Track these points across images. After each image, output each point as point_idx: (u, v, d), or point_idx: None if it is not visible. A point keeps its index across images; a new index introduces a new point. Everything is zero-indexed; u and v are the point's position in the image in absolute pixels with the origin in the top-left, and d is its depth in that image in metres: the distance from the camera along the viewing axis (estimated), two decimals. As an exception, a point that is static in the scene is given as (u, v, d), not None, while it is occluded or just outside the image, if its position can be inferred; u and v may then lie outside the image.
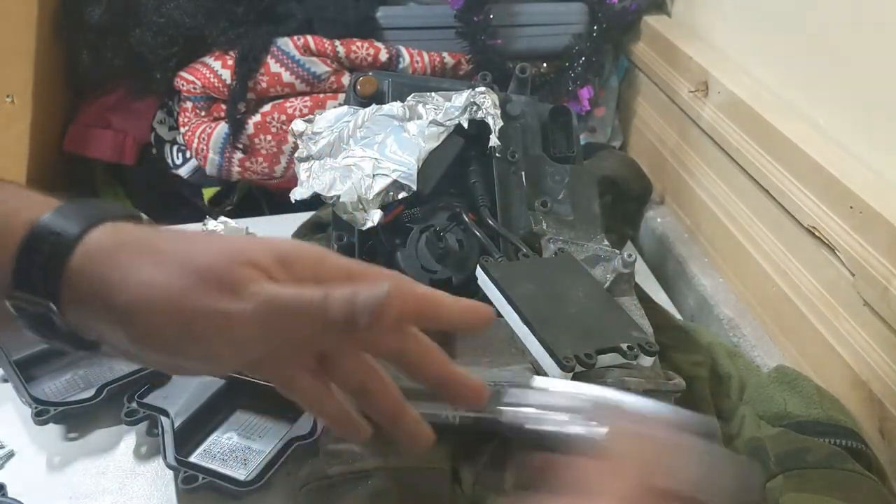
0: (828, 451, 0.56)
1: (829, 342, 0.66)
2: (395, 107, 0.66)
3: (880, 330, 0.60)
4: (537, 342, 0.51)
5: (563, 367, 0.49)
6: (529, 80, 0.73)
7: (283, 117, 0.92)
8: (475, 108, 0.66)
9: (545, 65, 1.00)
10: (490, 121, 0.66)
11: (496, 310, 0.57)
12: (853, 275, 0.62)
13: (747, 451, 0.59)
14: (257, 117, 0.92)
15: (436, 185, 0.65)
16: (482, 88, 0.68)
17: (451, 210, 0.66)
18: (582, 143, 1.00)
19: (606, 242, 0.67)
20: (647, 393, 0.51)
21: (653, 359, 0.53)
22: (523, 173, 0.68)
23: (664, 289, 0.87)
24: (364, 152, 0.64)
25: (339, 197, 0.61)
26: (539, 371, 0.52)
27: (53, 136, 1.00)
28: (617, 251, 0.63)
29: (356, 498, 0.52)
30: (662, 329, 0.68)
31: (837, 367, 0.65)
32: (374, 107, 0.67)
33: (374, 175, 0.62)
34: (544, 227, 0.66)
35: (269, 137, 0.93)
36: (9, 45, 0.86)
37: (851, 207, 0.62)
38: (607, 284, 0.61)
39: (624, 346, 0.52)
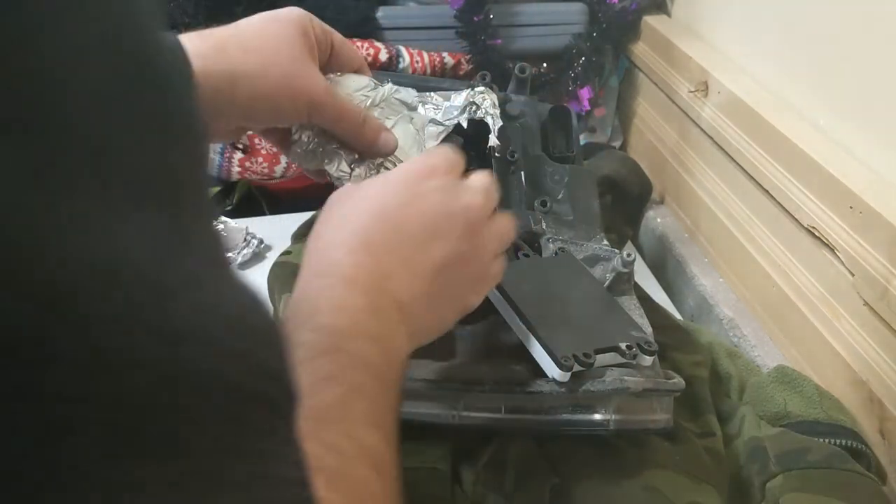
0: (828, 451, 0.56)
1: (829, 342, 0.66)
2: (410, 94, 0.66)
3: (880, 330, 0.60)
4: (537, 342, 0.51)
5: (562, 367, 0.49)
6: (529, 80, 0.73)
7: (283, 117, 0.92)
8: (474, 107, 0.66)
9: (545, 65, 1.00)
10: (489, 120, 0.66)
11: (496, 310, 0.57)
12: (853, 275, 0.62)
13: (747, 451, 0.59)
14: (257, 117, 0.92)
15: (435, 184, 0.65)
16: (481, 88, 0.68)
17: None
18: (582, 143, 1.00)
19: (606, 242, 0.66)
20: (646, 393, 0.51)
21: (652, 358, 0.52)
22: (523, 173, 0.68)
23: (664, 289, 0.87)
24: None
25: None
26: (539, 371, 0.52)
27: (53, 136, 1.00)
28: (617, 251, 0.63)
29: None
30: (662, 329, 0.68)
31: (837, 367, 0.65)
32: (391, 86, 0.65)
33: (379, 169, 0.62)
34: (544, 227, 0.66)
35: (268, 137, 0.93)
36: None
37: (851, 207, 0.62)
38: (607, 284, 0.61)
39: (623, 345, 0.52)
